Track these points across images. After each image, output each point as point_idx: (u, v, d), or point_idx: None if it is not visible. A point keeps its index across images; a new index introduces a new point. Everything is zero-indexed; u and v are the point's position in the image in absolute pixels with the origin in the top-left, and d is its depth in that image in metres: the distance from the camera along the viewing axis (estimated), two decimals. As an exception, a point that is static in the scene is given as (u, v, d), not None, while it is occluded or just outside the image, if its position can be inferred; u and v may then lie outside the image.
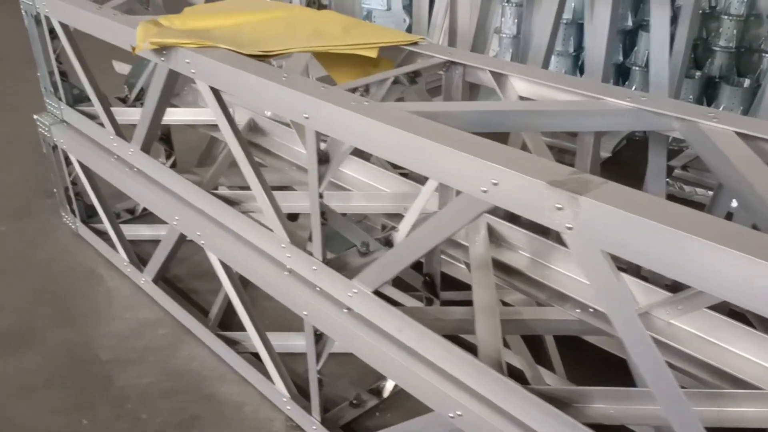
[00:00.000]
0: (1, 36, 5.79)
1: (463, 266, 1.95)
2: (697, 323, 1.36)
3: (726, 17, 3.29)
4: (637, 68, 3.53)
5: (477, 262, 1.61)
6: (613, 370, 1.68)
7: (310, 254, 1.62)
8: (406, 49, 1.74)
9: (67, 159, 2.74)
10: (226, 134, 1.74)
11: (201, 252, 2.38)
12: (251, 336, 2.01)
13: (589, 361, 1.84)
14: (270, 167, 2.40)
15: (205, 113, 2.68)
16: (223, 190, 2.27)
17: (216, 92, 1.74)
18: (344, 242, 2.31)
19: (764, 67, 3.36)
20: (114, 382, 2.11)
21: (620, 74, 3.75)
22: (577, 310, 1.50)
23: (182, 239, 2.22)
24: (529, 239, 1.67)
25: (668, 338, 1.35)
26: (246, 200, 2.01)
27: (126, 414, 2.00)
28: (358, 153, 2.12)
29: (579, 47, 3.78)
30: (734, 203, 1.74)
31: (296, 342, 2.18)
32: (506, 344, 1.84)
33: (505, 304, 1.73)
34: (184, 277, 2.63)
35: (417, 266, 2.11)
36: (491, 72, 1.56)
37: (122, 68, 4.19)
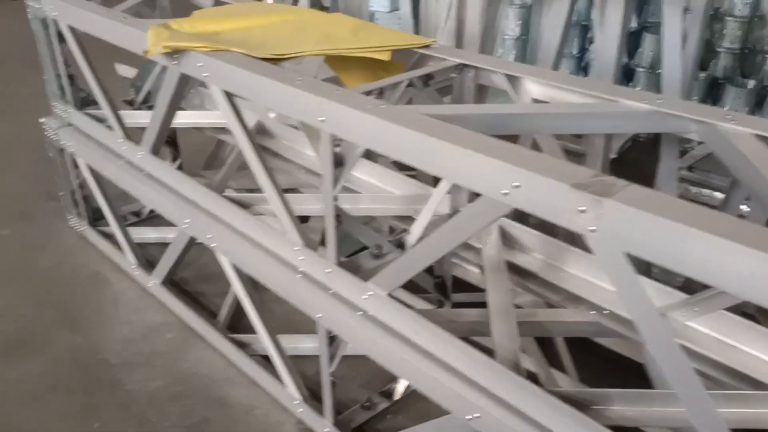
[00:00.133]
0: None
1: (471, 268, 1.96)
2: (714, 325, 1.37)
3: (730, 19, 3.30)
4: (641, 70, 3.54)
5: (490, 264, 1.62)
6: (620, 371, 1.69)
7: (323, 257, 1.62)
8: (417, 52, 1.74)
9: (73, 162, 2.74)
10: (239, 137, 1.74)
11: (207, 255, 2.38)
12: (262, 338, 2.01)
13: (597, 363, 1.84)
14: (278, 170, 2.40)
15: (213, 116, 2.68)
16: (230, 193, 2.27)
17: (228, 95, 1.74)
18: (353, 244, 2.32)
19: (768, 68, 3.38)
20: (122, 386, 2.11)
21: (624, 76, 3.76)
22: (592, 312, 1.50)
23: (192, 242, 2.22)
24: (542, 241, 1.67)
25: (685, 340, 1.35)
26: (256, 203, 2.01)
27: (134, 418, 1.99)
28: (365, 154, 2.12)
29: (582, 49, 3.79)
30: (744, 207, 1.74)
31: (306, 344, 2.18)
32: (518, 346, 1.85)
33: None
34: (191, 280, 2.62)
35: (428, 269, 2.11)
36: (505, 74, 1.56)
37: (125, 71, 4.18)
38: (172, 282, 2.50)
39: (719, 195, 2.45)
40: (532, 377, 1.79)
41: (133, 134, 2.37)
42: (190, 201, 2.08)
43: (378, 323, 1.50)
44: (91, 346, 2.27)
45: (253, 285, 2.02)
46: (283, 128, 2.43)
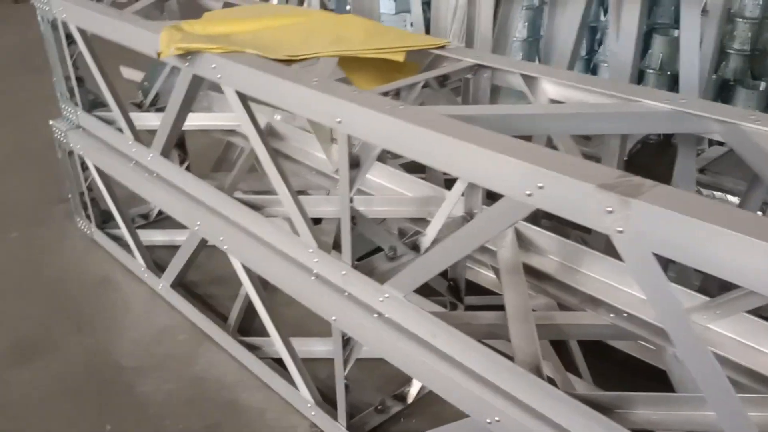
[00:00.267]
0: (2, 44, 5.80)
1: (483, 271, 1.94)
2: (736, 327, 1.35)
3: (740, 20, 3.29)
4: (651, 71, 3.53)
5: (506, 266, 1.60)
6: (628, 374, 1.67)
7: (338, 259, 1.61)
8: (431, 53, 1.73)
9: (82, 164, 2.73)
10: (253, 139, 1.73)
11: (216, 257, 2.37)
12: (274, 341, 1.99)
13: (607, 366, 1.82)
14: (287, 172, 2.38)
15: (222, 118, 2.68)
16: (239, 195, 2.26)
17: (242, 97, 1.73)
18: (364, 246, 2.30)
19: (779, 69, 3.36)
20: (134, 389, 2.10)
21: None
22: (611, 315, 1.49)
23: (203, 244, 2.21)
24: (558, 243, 1.66)
25: (707, 343, 1.33)
26: (268, 205, 2.00)
27: (148, 421, 1.98)
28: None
29: (591, 50, 3.78)
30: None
31: (317, 347, 2.17)
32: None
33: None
34: (201, 282, 2.61)
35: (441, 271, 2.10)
36: (521, 75, 1.55)
37: (130, 74, 4.18)
38: (181, 285, 2.49)
39: (732, 198, 2.44)
40: (549, 381, 1.78)
41: (142, 137, 2.37)
42: (201, 203, 2.07)
43: (395, 326, 1.49)
44: (103, 348, 2.26)
45: (263, 288, 2.01)
46: (292, 130, 2.42)
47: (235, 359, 2.20)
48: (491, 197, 1.85)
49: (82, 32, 2.37)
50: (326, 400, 1.96)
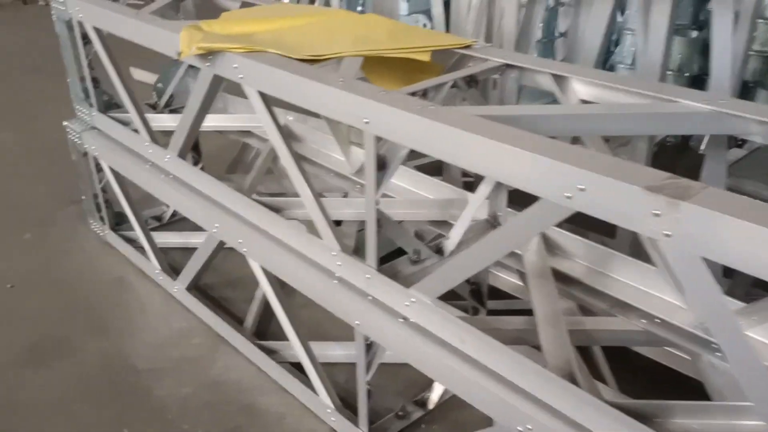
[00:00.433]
0: (10, 45, 5.81)
1: (502, 275, 1.91)
2: (773, 334, 1.32)
3: (761, 21, 3.25)
4: (670, 73, 3.48)
5: (533, 270, 1.57)
6: (649, 379, 1.63)
7: (362, 262, 1.58)
8: (457, 53, 1.70)
9: (96, 166, 2.71)
10: (275, 140, 1.71)
11: (231, 260, 2.35)
12: (294, 345, 1.97)
13: (629, 371, 1.79)
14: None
15: (238, 119, 2.66)
16: (257, 197, 2.24)
17: (264, 97, 1.71)
18: (383, 247, 2.26)
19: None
20: (152, 393, 2.07)
21: (647, 79, 3.71)
22: (642, 321, 1.46)
23: (220, 247, 2.19)
24: (586, 246, 1.63)
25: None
26: (287, 207, 1.97)
27: (166, 424, 1.95)
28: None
29: (608, 51, 3.74)
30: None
31: (335, 351, 2.15)
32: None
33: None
34: (216, 285, 2.59)
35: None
36: (551, 74, 1.52)
37: (140, 75, 4.18)
38: (196, 287, 2.46)
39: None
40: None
41: (157, 138, 2.34)
42: (219, 205, 2.05)
43: (421, 331, 1.46)
44: (119, 351, 2.24)
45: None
46: (308, 131, 2.40)
47: (253, 363, 2.18)
48: (514, 201, 1.83)
49: (98, 32, 2.36)
50: (346, 405, 1.93)
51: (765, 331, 1.34)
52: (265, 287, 1.97)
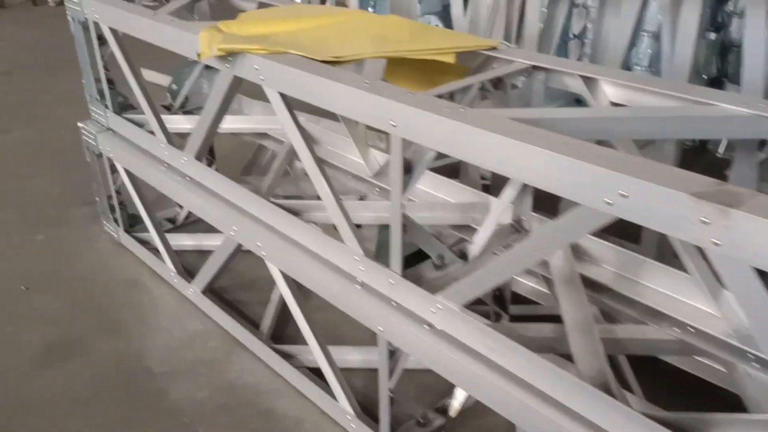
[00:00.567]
0: (20, 46, 5.82)
1: (523, 280, 1.88)
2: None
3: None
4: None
5: (561, 276, 1.54)
6: (674, 388, 1.59)
7: (386, 267, 1.55)
8: (482, 54, 1.67)
9: (111, 167, 2.70)
10: (297, 143, 1.68)
11: (244, 262, 2.32)
12: (312, 350, 1.94)
13: (651, 379, 1.75)
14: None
15: (254, 121, 2.64)
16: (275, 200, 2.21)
17: (285, 99, 1.68)
18: (406, 247, 2.22)
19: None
20: (167, 395, 2.05)
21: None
22: (676, 330, 1.42)
23: (238, 250, 2.16)
24: (614, 252, 1.59)
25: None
26: (306, 210, 1.95)
27: (183, 428, 1.93)
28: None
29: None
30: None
31: (353, 356, 2.12)
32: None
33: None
34: (230, 288, 2.57)
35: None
36: (580, 76, 1.49)
37: (151, 76, 4.17)
38: (210, 290, 2.44)
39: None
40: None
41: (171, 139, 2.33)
42: (237, 208, 2.02)
43: (447, 338, 1.43)
44: (134, 353, 2.22)
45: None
46: (325, 132, 2.37)
47: (269, 367, 2.15)
48: (536, 206, 1.80)
49: (114, 33, 2.34)
50: (365, 411, 1.90)
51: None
52: (284, 291, 1.95)
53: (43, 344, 2.27)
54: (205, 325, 2.37)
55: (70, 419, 1.97)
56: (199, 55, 1.79)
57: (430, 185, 2.08)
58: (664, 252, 2.05)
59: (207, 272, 2.34)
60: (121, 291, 2.57)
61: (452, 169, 2.52)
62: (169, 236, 2.70)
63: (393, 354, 1.64)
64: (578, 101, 3.87)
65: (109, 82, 2.57)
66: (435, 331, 1.46)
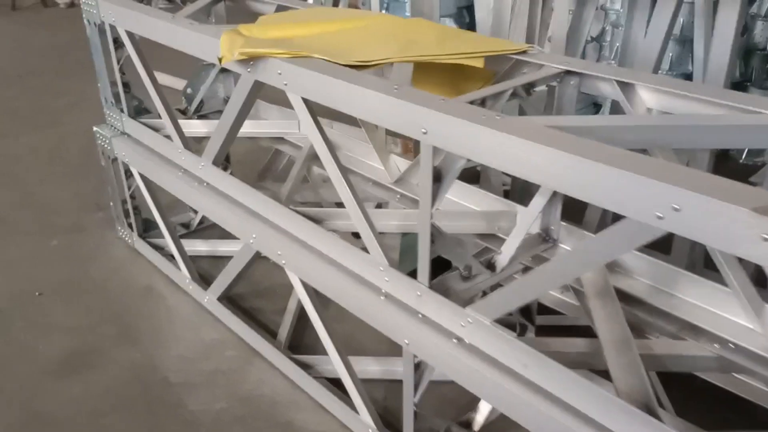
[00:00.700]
0: (32, 48, 5.83)
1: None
2: None
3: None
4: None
5: (594, 289, 1.48)
6: (701, 402, 1.53)
7: (412, 278, 1.50)
8: (511, 58, 1.63)
9: (125, 172, 2.67)
10: (320, 149, 1.64)
11: (259, 269, 2.28)
12: (333, 361, 1.89)
13: (675, 393, 1.70)
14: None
15: (271, 125, 2.60)
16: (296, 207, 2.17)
17: (308, 104, 1.64)
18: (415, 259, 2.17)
19: None
20: (185, 407, 2.01)
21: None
22: (715, 345, 1.37)
23: (256, 258, 2.12)
24: (649, 263, 1.54)
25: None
26: (327, 218, 1.90)
27: (201, 441, 1.90)
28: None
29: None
30: None
31: (372, 367, 2.07)
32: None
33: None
34: (246, 295, 2.53)
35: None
36: (616, 81, 1.44)
37: (163, 79, 4.15)
38: (227, 297, 2.40)
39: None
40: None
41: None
42: (256, 215, 1.98)
43: (478, 353, 1.38)
44: (151, 363, 2.18)
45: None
46: (349, 139, 2.33)
47: (287, 377, 2.11)
48: (567, 216, 1.75)
49: (131, 36, 2.31)
50: (386, 425, 1.85)
51: None
52: (304, 300, 1.90)
53: (59, 353, 2.24)
54: (222, 334, 2.33)
55: (90, 431, 1.93)
56: (220, 59, 1.76)
57: (451, 191, 2.04)
58: (695, 262, 2.00)
59: (224, 280, 2.30)
60: (136, 298, 2.53)
61: (472, 174, 2.47)
62: (183, 242, 2.66)
63: (418, 367, 1.59)
64: (595, 105, 3.83)
65: (125, 85, 2.54)
66: (464, 345, 1.41)
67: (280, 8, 2.35)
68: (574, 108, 1.53)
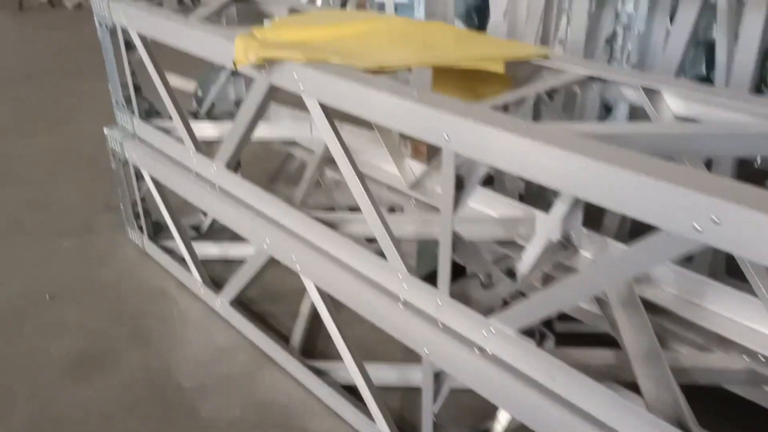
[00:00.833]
0: (40, 49, 5.83)
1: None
2: None
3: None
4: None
5: (619, 298, 1.45)
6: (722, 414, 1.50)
7: (432, 286, 1.48)
8: (532, 64, 1.59)
9: (136, 174, 2.65)
10: (337, 155, 1.61)
11: (271, 272, 2.25)
12: (348, 367, 1.87)
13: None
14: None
15: (283, 129, 2.58)
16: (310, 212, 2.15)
17: (325, 110, 1.62)
18: (433, 260, 2.15)
19: None
20: (199, 412, 1.99)
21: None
22: (746, 358, 1.33)
23: (269, 262, 2.09)
24: (675, 272, 1.50)
25: None
26: (343, 223, 1.88)
27: (215, 448, 1.87)
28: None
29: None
30: None
31: (388, 374, 2.05)
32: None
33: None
34: (257, 299, 2.51)
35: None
36: (642, 88, 1.40)
37: (175, 81, 4.13)
38: (238, 301, 2.38)
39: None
40: None
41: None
42: (270, 219, 1.96)
43: (501, 364, 1.35)
44: (163, 366, 2.16)
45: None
46: (362, 143, 2.30)
47: (301, 384, 2.08)
48: (587, 224, 1.71)
49: (143, 39, 2.29)
50: (403, 433, 1.83)
51: None
52: (320, 307, 1.88)
53: (71, 356, 2.22)
54: (234, 338, 2.31)
55: (103, 436, 1.92)
56: (235, 63, 1.73)
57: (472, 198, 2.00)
58: (717, 269, 1.97)
59: (236, 284, 2.28)
60: (147, 301, 2.51)
61: (486, 177, 2.44)
62: (193, 244, 2.65)
63: (437, 376, 1.57)
64: (607, 109, 3.80)
65: (136, 88, 2.53)
66: (487, 356, 1.38)
67: (292, 10, 2.33)
68: (597, 114, 1.49)
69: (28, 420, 1.96)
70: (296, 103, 2.19)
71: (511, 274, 1.59)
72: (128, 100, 2.55)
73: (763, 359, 1.32)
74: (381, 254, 1.60)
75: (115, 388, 2.08)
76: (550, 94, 1.46)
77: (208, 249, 2.75)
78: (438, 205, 2.00)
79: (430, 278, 1.54)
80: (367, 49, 1.70)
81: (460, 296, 1.47)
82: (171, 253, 2.70)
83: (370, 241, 1.91)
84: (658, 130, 1.20)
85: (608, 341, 1.77)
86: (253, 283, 2.34)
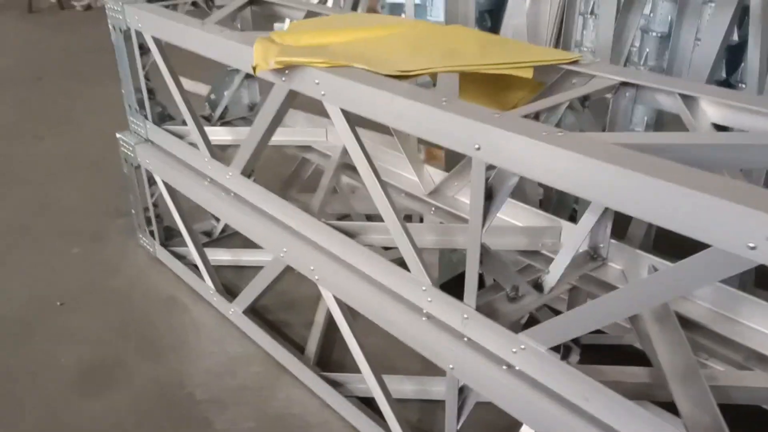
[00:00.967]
0: (50, 51, 5.82)
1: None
2: None
3: None
4: (744, 86, 3.27)
5: (653, 313, 1.40)
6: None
7: (458, 299, 1.43)
8: (561, 69, 1.55)
9: (148, 179, 2.62)
10: (359, 161, 1.57)
11: (285, 280, 2.20)
12: (366, 378, 1.82)
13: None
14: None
15: (298, 133, 2.54)
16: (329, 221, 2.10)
17: (346, 115, 1.57)
18: (452, 268, 2.10)
19: None
20: (212, 425, 1.95)
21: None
22: (787, 376, 1.28)
23: (286, 271, 2.05)
24: (710, 286, 1.45)
25: None
26: (362, 232, 1.83)
27: (230, 462, 1.83)
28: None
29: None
30: None
31: (406, 387, 2.00)
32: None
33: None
34: (271, 307, 2.46)
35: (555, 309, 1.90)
36: (680, 95, 1.35)
37: (187, 85, 4.10)
38: (252, 310, 2.34)
39: None
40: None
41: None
42: (287, 227, 1.92)
43: (531, 381, 1.30)
44: (175, 378, 2.12)
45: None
46: (379, 149, 2.26)
47: (316, 395, 2.04)
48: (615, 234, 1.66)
49: (157, 42, 2.25)
50: (422, 448, 1.78)
51: None
52: (338, 319, 1.83)
53: (81, 366, 2.18)
54: (247, 348, 2.26)
55: (112, 449, 1.88)
56: (254, 68, 1.69)
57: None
58: (746, 281, 1.91)
59: (250, 293, 2.23)
60: (159, 309, 2.47)
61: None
62: (205, 251, 2.61)
63: (461, 391, 1.52)
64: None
65: (149, 92, 2.49)
66: (515, 373, 1.33)
67: (310, 14, 2.29)
68: (630, 122, 1.44)
69: (36, 431, 1.92)
70: (308, 106, 2.15)
71: (537, 286, 1.54)
72: (141, 104, 2.52)
73: (805, 379, 1.26)
74: (402, 264, 1.56)
75: (125, 399, 2.04)
76: (583, 101, 1.42)
77: (220, 255, 2.72)
78: (461, 214, 1.96)
79: (447, 287, 1.50)
80: (389, 55, 1.65)
81: (485, 309, 1.43)
82: (182, 259, 2.66)
83: (387, 249, 1.87)
84: (700, 140, 1.15)
85: (635, 354, 1.72)
86: (267, 292, 2.30)
